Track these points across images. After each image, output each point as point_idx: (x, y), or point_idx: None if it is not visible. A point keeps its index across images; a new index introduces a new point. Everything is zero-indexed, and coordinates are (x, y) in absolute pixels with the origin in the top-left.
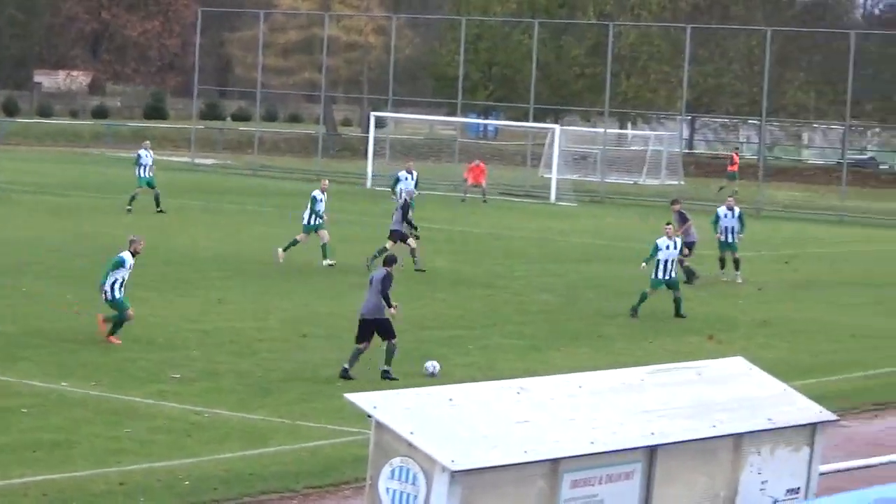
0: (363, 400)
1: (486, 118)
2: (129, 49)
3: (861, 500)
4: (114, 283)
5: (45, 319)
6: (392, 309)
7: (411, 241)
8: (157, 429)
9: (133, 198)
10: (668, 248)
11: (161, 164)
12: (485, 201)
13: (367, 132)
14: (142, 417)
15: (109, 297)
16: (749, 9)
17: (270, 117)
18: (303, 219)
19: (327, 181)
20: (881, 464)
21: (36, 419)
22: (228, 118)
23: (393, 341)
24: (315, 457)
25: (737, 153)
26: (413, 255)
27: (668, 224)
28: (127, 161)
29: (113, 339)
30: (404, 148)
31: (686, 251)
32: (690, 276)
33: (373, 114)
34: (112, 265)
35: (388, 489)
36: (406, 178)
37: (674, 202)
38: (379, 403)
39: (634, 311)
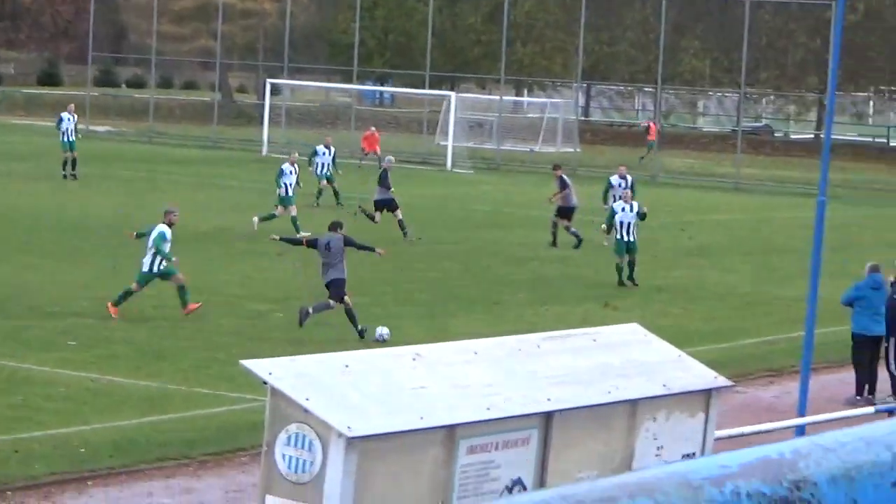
0: (258, 366)
1: (382, 85)
2: (22, 15)
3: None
4: (154, 258)
5: None
6: (380, 251)
7: (398, 211)
8: (52, 396)
9: (65, 163)
10: (623, 210)
11: (56, 132)
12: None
13: (263, 99)
14: (37, 384)
15: (154, 270)
16: None
17: (166, 84)
18: (278, 192)
19: (296, 154)
20: (776, 429)
21: None
22: (123, 85)
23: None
24: (211, 424)
25: (653, 123)
26: (402, 226)
27: (624, 187)
28: (20, 128)
29: (194, 304)
30: (300, 115)
31: (564, 219)
32: (577, 239)
33: (268, 81)
34: (159, 240)
35: (284, 455)
36: (323, 153)
37: (555, 167)
38: (274, 370)
39: (622, 282)
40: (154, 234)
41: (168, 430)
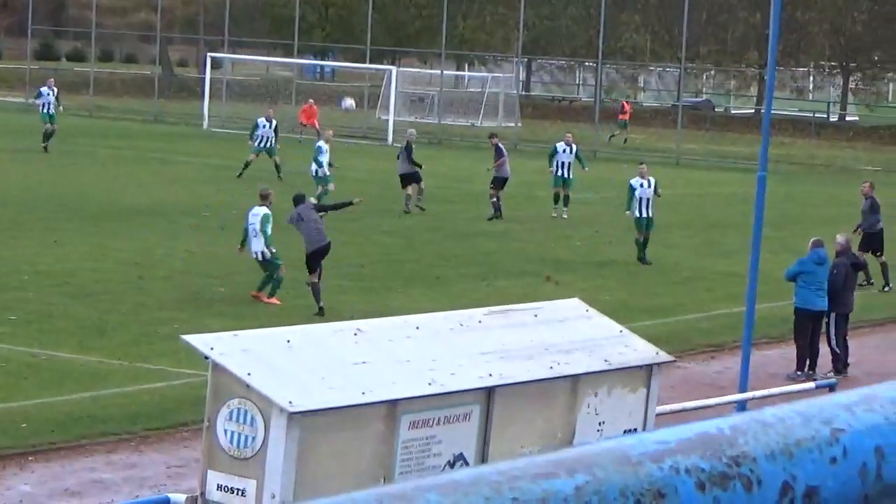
0: (200, 341)
1: (323, 60)
2: None
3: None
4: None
5: None
6: (357, 200)
7: (422, 183)
8: None
9: (45, 135)
10: (642, 186)
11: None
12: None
13: (204, 73)
14: None
15: (266, 257)
16: None
17: (106, 58)
18: (311, 171)
19: (331, 131)
20: (717, 405)
21: None
22: (63, 58)
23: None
24: (153, 398)
25: (627, 102)
26: (419, 195)
27: (641, 164)
28: None
29: (275, 300)
30: (242, 89)
31: (495, 188)
32: (496, 211)
33: (209, 55)
34: (265, 223)
35: (226, 430)
36: (264, 126)
37: (491, 136)
38: (216, 345)
39: (643, 259)
40: (259, 217)
41: (110, 405)
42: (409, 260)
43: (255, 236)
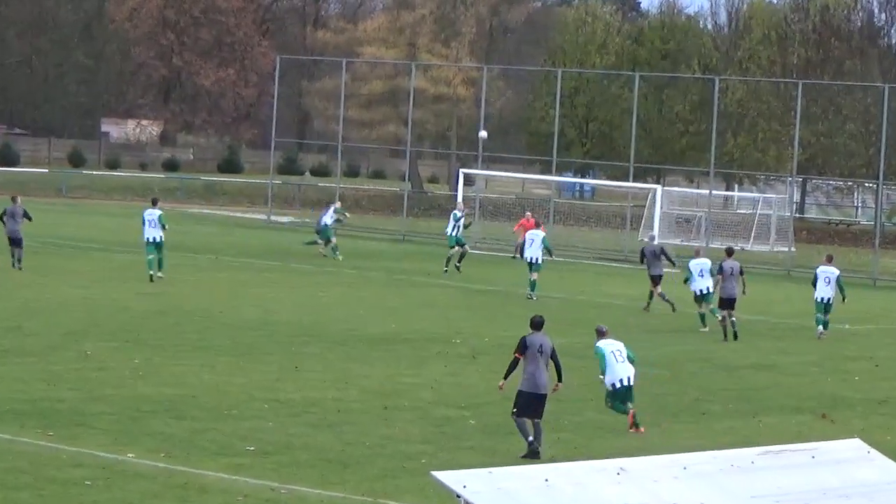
0: (452, 479)
1: (583, 177)
2: (202, 98)
3: None
4: None
5: (109, 385)
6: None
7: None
8: None
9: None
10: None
11: (235, 222)
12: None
13: (456, 190)
14: (214, 492)
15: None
16: (865, 64)
17: (352, 173)
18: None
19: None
20: None
21: (101, 492)
22: (307, 173)
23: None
24: None
25: None
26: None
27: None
28: (197, 217)
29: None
30: (495, 208)
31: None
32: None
33: (461, 170)
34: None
35: None
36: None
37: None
38: (469, 482)
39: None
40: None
41: None
42: (672, 392)
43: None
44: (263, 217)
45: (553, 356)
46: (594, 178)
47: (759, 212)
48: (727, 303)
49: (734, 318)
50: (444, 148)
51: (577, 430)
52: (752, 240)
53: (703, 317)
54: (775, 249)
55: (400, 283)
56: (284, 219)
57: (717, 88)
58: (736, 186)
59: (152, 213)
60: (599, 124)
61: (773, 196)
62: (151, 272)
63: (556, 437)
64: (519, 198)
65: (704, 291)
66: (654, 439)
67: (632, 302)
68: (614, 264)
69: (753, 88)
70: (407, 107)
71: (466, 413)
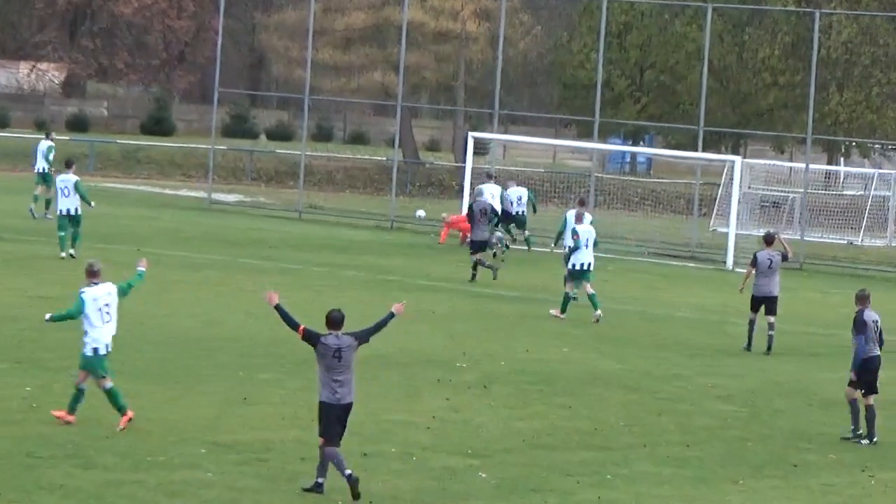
0: None
1: (635, 145)
2: (121, 33)
3: None
4: None
5: None
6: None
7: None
8: None
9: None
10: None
11: (164, 200)
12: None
13: (463, 161)
14: None
15: None
16: None
17: (323, 136)
18: None
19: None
20: None
21: None
22: (262, 136)
23: None
24: None
25: None
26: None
27: None
28: (113, 194)
29: None
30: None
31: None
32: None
33: (471, 134)
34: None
35: None
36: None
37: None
38: None
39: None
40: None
41: None
42: (754, 437)
43: None
44: (203, 195)
45: (363, 337)
46: (651, 145)
47: (872, 193)
48: (764, 303)
49: (773, 329)
50: (448, 104)
51: (626, 484)
52: (862, 231)
53: (566, 302)
54: (894, 244)
55: (387, 285)
56: (231, 197)
57: (817, 26)
58: (842, 159)
59: (66, 180)
60: (658, 73)
61: (893, 172)
62: (63, 253)
63: (598, 497)
64: (549, 171)
65: (585, 267)
66: (729, 500)
67: (700, 314)
68: (676, 263)
69: (866, 26)
70: (398, 47)
71: (475, 462)
